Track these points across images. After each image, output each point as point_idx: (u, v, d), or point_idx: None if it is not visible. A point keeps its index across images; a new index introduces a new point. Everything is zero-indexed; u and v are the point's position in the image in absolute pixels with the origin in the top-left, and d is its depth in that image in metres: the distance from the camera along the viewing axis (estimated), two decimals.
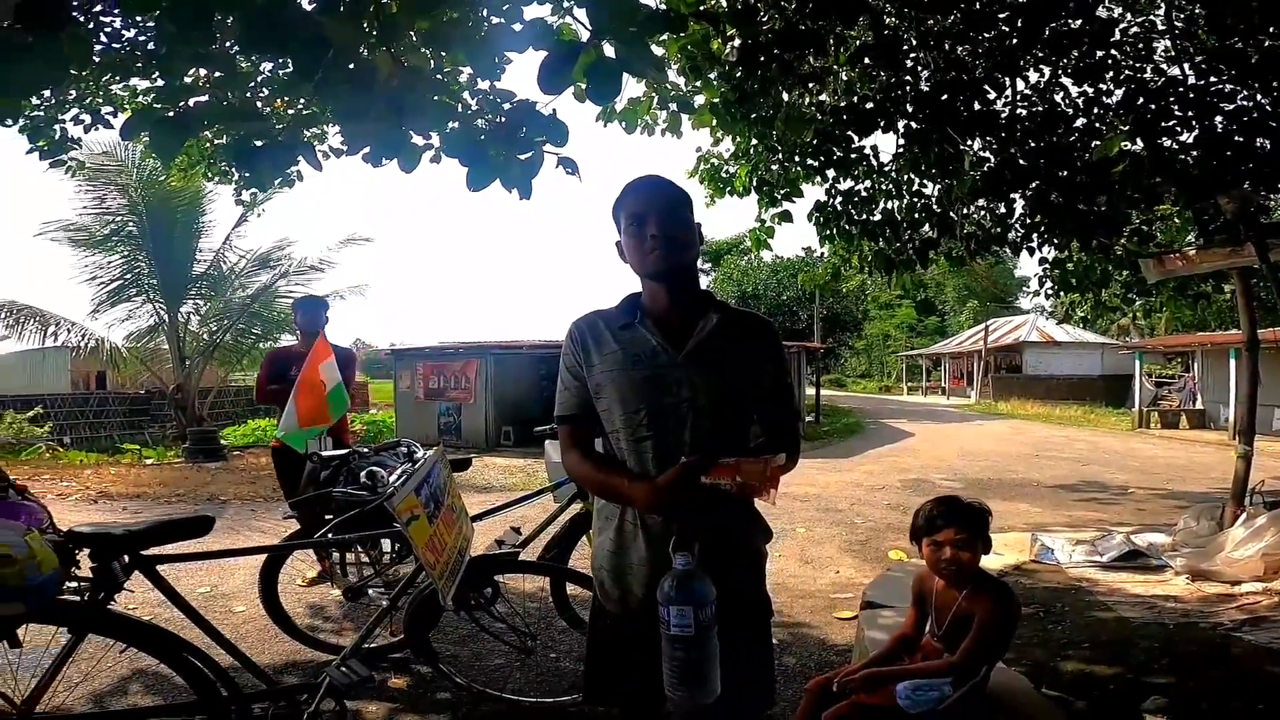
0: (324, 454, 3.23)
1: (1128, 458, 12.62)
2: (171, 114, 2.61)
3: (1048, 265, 6.20)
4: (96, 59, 3.40)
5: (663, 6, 2.97)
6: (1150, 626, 3.71)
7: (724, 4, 3.30)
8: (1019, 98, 4.52)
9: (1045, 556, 5.18)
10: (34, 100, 4.13)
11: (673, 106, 4.29)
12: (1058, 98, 4.49)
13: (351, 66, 2.34)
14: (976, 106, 4.25)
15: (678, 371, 1.56)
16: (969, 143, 4.68)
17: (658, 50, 4.18)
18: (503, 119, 2.85)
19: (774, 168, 5.24)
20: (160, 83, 3.21)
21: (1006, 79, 4.20)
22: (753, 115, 4.28)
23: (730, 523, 1.57)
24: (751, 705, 1.64)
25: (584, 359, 1.63)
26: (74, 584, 2.03)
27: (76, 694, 2.69)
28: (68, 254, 12.71)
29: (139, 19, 2.92)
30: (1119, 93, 4.21)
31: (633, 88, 4.31)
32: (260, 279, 14.05)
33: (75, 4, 2.07)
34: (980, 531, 2.16)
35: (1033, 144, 4.53)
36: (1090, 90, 4.30)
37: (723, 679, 1.43)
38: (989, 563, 4.89)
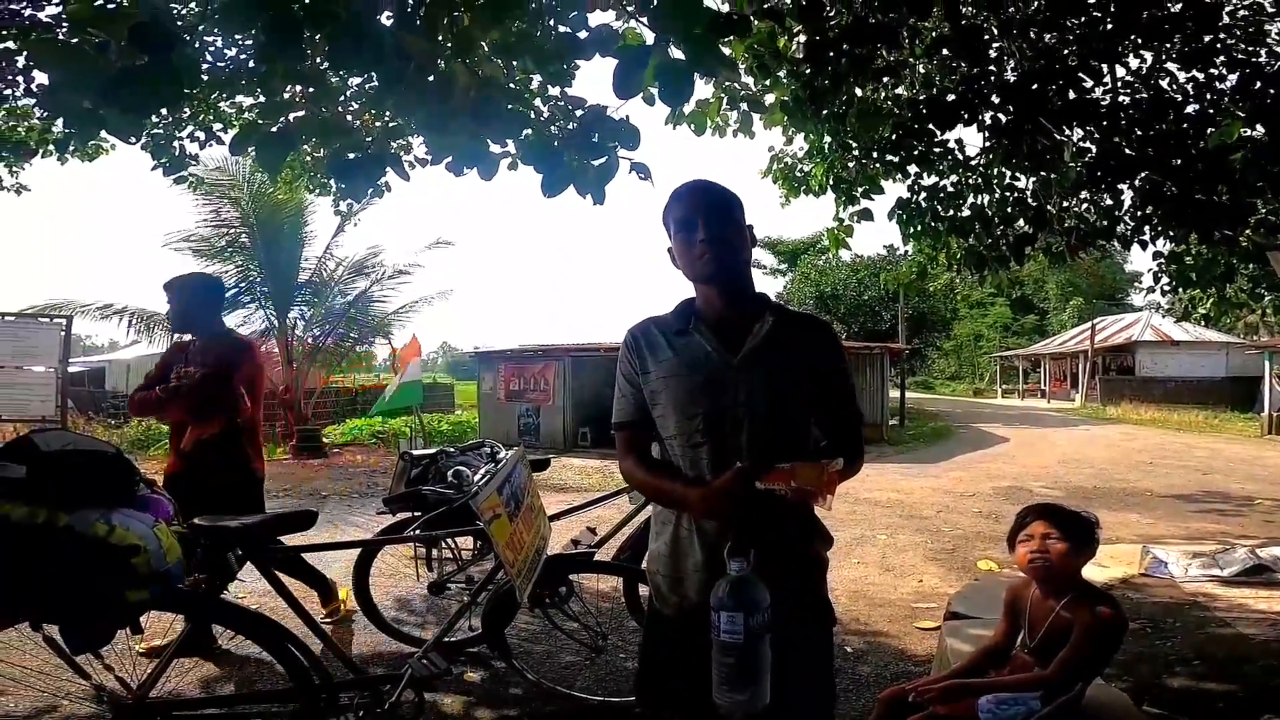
0: (415, 453, 3.39)
1: (1255, 466, 11.49)
2: (274, 130, 2.84)
3: (1163, 260, 5.73)
4: (204, 78, 3.71)
5: (725, 8, 2.95)
6: (1273, 644, 3.41)
7: (788, 1, 3.23)
8: (1120, 85, 4.20)
9: (1157, 570, 4.82)
10: (153, 119, 4.53)
11: (743, 106, 4.23)
12: (1164, 84, 4.14)
13: (431, 79, 2.46)
14: (1072, 95, 3.98)
15: (733, 376, 1.55)
16: (1067, 133, 4.39)
17: (725, 50, 4.14)
18: (574, 125, 2.91)
19: (851, 165, 5.09)
20: (261, 99, 3.46)
21: (1104, 66, 3.91)
22: (825, 112, 4.16)
23: (788, 529, 1.54)
24: (809, 718, 1.60)
25: (639, 366, 1.64)
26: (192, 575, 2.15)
27: (186, 680, 2.88)
28: (190, 264, 13.84)
29: (239, 39, 3.16)
30: (1233, 77, 3.84)
31: (701, 89, 4.29)
32: (357, 285, 14.85)
33: (180, 25, 2.27)
34: (1079, 535, 2.03)
35: (1140, 132, 4.20)
36: (1200, 76, 3.94)
37: (779, 689, 1.40)
38: (1092, 575, 4.60)
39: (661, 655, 1.66)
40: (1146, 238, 5.09)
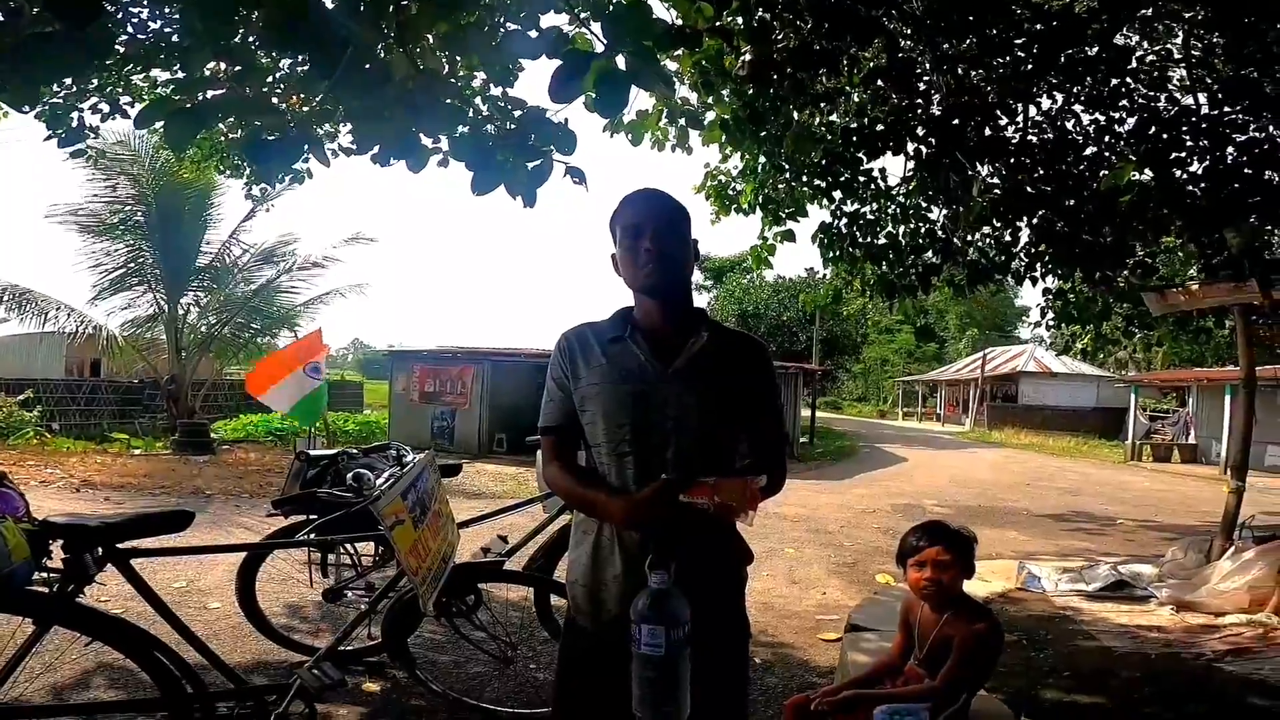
0: (312, 453, 3.21)
1: (1119, 489, 12.62)
2: (187, 106, 2.62)
3: (1050, 296, 6.21)
4: (121, 49, 3.39)
5: (678, 21, 2.99)
6: (1133, 656, 3.71)
7: (739, 21, 3.32)
8: (1030, 124, 4.52)
9: (1031, 584, 5.18)
10: (55, 88, 4.12)
11: (682, 121, 4.30)
12: (1069, 125, 4.49)
13: (369, 66, 2.35)
14: (987, 131, 4.25)
15: (664, 388, 1.54)
16: (979, 168, 4.67)
17: (671, 65, 4.21)
18: (512, 125, 2.86)
19: (780, 186, 5.25)
20: (180, 74, 3.21)
21: (1018, 105, 4.21)
22: (762, 133, 4.29)
23: (709, 543, 1.54)
24: None
25: (570, 371, 1.62)
26: (43, 574, 2.00)
27: (37, 685, 2.65)
28: (73, 239, 12.76)
29: (165, 10, 2.92)
30: (1131, 121, 4.21)
31: (642, 101, 4.31)
32: (264, 274, 13.99)
33: None
34: (963, 555, 2.16)
35: (1042, 171, 4.53)
36: (1102, 118, 4.30)
37: (695, 703, 1.40)
38: (974, 589, 4.89)
39: (579, 667, 1.63)
40: (1037, 274, 5.52)
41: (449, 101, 2.80)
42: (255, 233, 15.70)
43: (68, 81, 4.07)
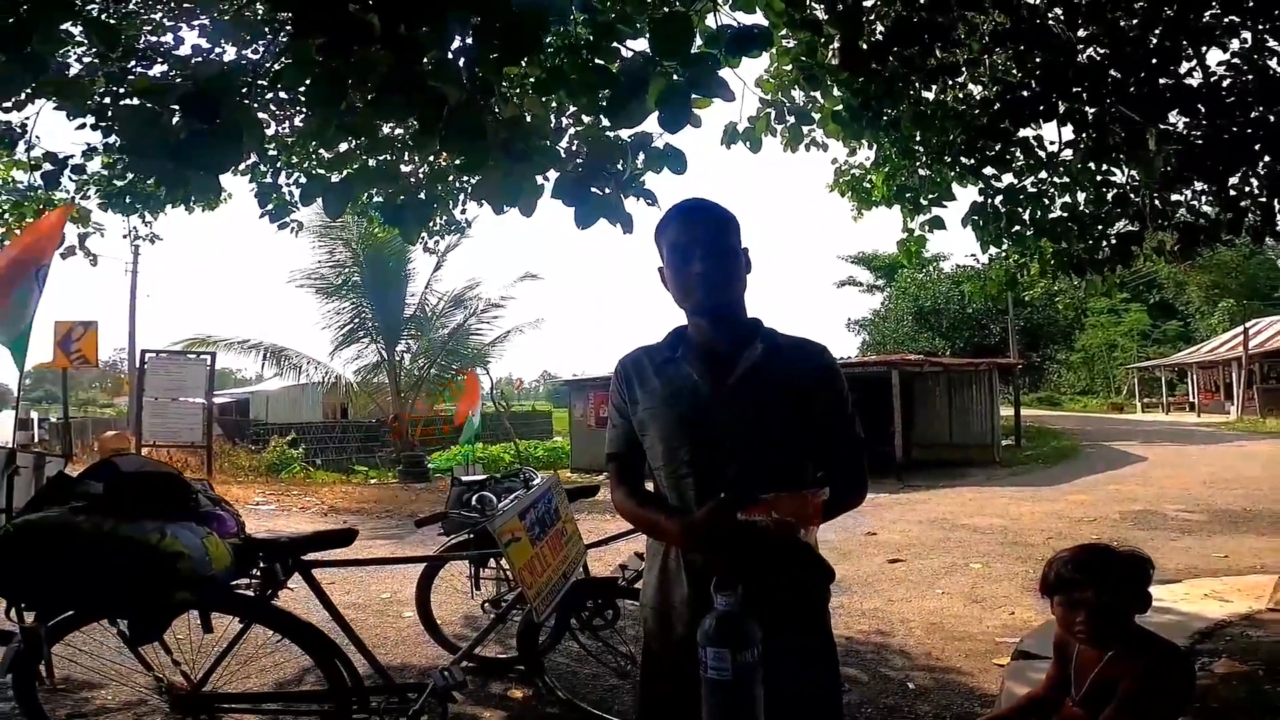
0: (465, 479, 3.57)
1: None
2: (335, 180, 3.08)
3: None
4: (303, 126, 3.98)
5: (756, 21, 2.92)
6: None
7: (819, 10, 3.15)
8: (1224, 67, 3.80)
9: None
10: (263, 169, 4.98)
11: (791, 120, 4.15)
12: (1272, 63, 3.71)
13: (466, 121, 2.60)
14: (1163, 81, 3.63)
15: (719, 407, 1.52)
16: (1168, 121, 4.00)
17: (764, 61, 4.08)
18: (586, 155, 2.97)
19: (922, 172, 4.85)
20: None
21: (1190, 48, 3.55)
22: (884, 119, 4.01)
23: (782, 562, 1.47)
24: None
25: (629, 396, 1.64)
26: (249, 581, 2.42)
27: (238, 675, 3.05)
28: (312, 301, 15.11)
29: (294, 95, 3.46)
30: None
31: (750, 106, 4.22)
32: (455, 318, 15.67)
33: (244, 85, 2.52)
34: (1133, 587, 1.75)
35: (1250, 115, 3.76)
36: None
37: None
38: (1206, 610, 4.08)
39: (656, 691, 1.64)
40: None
41: (545, 143, 2.99)
42: (445, 281, 17.64)
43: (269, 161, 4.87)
